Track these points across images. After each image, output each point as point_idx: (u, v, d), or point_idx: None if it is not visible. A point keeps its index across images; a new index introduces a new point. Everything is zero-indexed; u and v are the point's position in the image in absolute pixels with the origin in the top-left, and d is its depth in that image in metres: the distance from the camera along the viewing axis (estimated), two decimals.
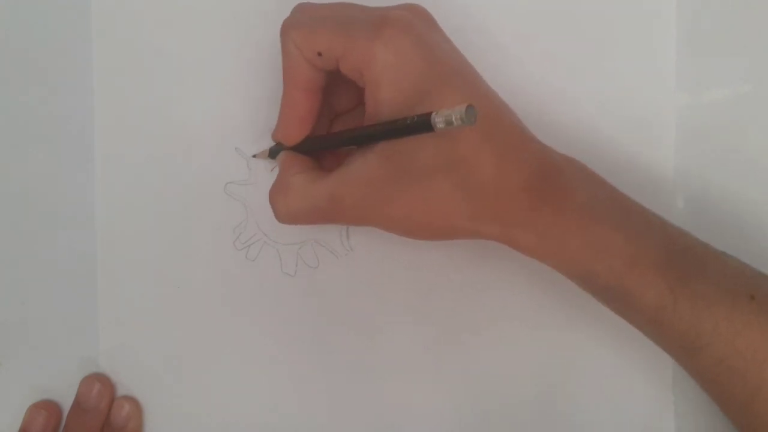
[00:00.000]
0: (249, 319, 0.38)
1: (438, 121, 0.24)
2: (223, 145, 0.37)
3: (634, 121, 0.37)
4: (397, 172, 0.29)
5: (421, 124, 0.25)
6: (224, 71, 0.38)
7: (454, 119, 0.24)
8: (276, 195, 0.32)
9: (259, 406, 0.38)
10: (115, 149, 0.38)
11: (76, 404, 0.38)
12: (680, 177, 0.37)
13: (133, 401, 0.38)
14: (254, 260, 0.37)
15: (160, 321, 0.38)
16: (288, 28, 0.31)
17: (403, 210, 0.30)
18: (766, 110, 0.37)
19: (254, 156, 0.37)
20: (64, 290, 0.38)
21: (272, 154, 0.36)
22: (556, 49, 0.37)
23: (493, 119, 0.30)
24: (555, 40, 0.37)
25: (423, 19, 0.31)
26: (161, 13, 0.38)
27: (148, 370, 0.38)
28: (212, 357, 0.38)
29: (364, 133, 0.30)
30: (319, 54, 0.30)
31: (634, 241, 0.30)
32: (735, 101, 0.37)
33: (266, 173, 0.37)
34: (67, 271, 0.38)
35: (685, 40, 0.37)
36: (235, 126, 0.37)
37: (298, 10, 0.32)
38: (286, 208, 0.32)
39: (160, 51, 0.38)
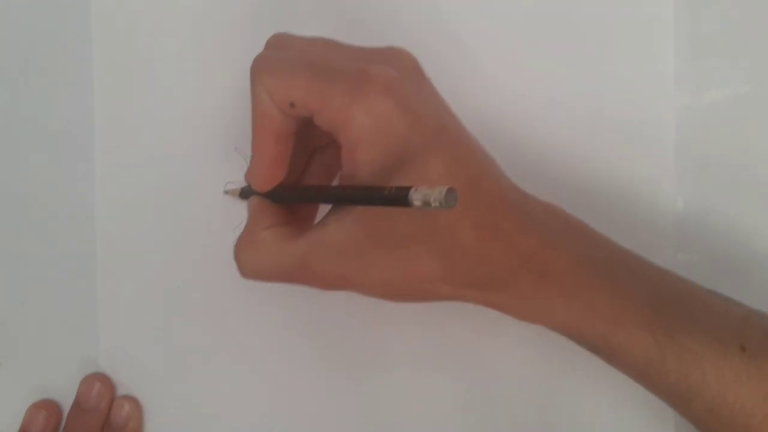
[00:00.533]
0: (249, 319, 0.38)
1: (415, 198, 0.23)
2: (223, 145, 0.37)
3: (634, 121, 0.37)
4: (374, 240, 0.28)
5: (398, 199, 0.24)
6: (224, 71, 0.38)
7: (432, 201, 0.23)
8: (244, 249, 0.30)
9: (259, 406, 0.38)
10: (115, 149, 0.38)
11: (76, 404, 0.38)
12: (680, 177, 0.37)
13: (133, 401, 0.38)
14: None
15: (160, 321, 0.38)
16: (260, 72, 0.28)
17: (380, 277, 0.28)
18: (767, 110, 0.37)
19: (226, 192, 0.36)
20: (64, 290, 0.38)
21: (243, 194, 0.34)
22: (556, 50, 0.37)
23: (474, 182, 0.28)
24: (554, 41, 0.37)
25: (408, 71, 0.29)
26: (161, 13, 0.38)
27: (148, 370, 0.38)
28: (212, 357, 0.38)
29: (340, 195, 0.28)
30: (292, 105, 0.28)
31: (618, 299, 0.29)
32: (735, 101, 0.37)
33: None
34: (67, 271, 0.38)
35: (684, 40, 0.37)
36: (235, 126, 0.37)
37: (273, 45, 0.30)
38: (253, 265, 0.29)
39: (160, 51, 0.38)
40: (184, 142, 0.38)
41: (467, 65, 0.37)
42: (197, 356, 0.38)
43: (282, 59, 0.28)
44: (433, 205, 0.23)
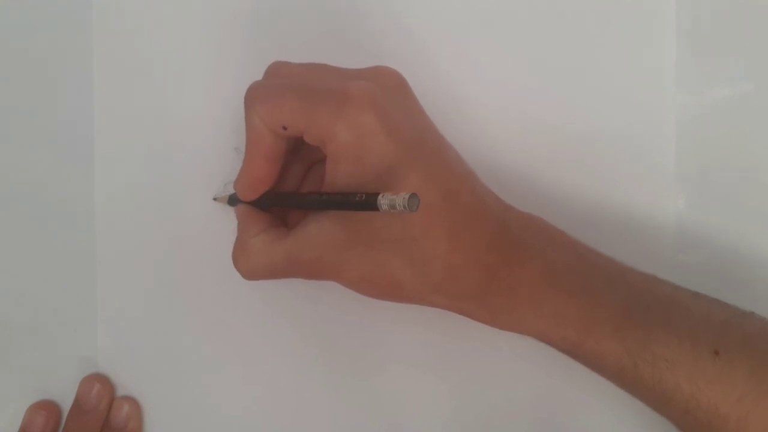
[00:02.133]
0: (249, 319, 0.38)
1: (383, 203, 0.26)
2: (222, 145, 0.37)
3: (634, 121, 0.37)
4: (350, 238, 0.30)
5: (368, 204, 0.27)
6: (224, 71, 0.38)
7: (397, 205, 0.25)
8: (238, 256, 0.33)
9: (259, 405, 0.38)
10: (115, 149, 0.38)
11: (76, 404, 0.38)
12: (680, 177, 0.37)
13: (132, 401, 0.38)
14: None
15: (160, 321, 0.38)
16: (253, 101, 0.30)
17: (356, 273, 0.30)
18: (767, 110, 0.37)
19: (215, 199, 0.37)
20: (64, 290, 0.38)
21: (231, 201, 0.36)
22: (555, 50, 0.37)
23: (450, 195, 0.30)
24: (554, 40, 0.37)
25: (390, 87, 0.31)
26: (161, 12, 0.38)
27: (148, 370, 0.38)
28: (212, 357, 0.38)
29: (317, 200, 0.31)
30: (284, 128, 0.30)
31: (589, 308, 0.31)
32: (736, 101, 0.37)
33: None
34: (67, 271, 0.38)
35: (685, 39, 0.37)
36: (235, 126, 0.37)
37: (267, 75, 0.32)
38: (248, 269, 0.32)
39: (160, 51, 0.38)
40: (184, 142, 0.38)
41: (466, 65, 0.37)
42: (197, 356, 0.38)
43: (271, 87, 0.31)
44: (398, 209, 0.25)
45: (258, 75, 0.38)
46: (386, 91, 0.30)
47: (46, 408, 0.38)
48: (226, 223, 0.37)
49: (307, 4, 0.38)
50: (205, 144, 0.38)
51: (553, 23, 0.37)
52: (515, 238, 0.32)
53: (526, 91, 0.37)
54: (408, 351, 0.37)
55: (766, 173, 0.37)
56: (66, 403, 0.38)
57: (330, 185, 0.30)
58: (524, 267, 0.31)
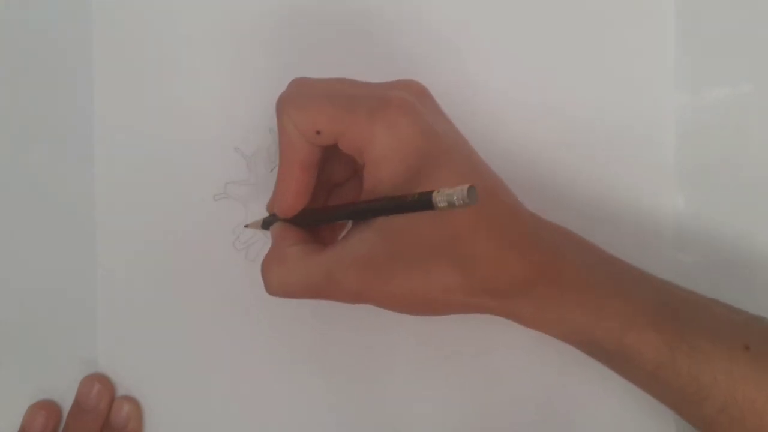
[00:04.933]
0: (249, 319, 0.38)
1: (440, 200, 0.25)
2: (223, 145, 0.37)
3: (634, 121, 0.37)
4: (395, 251, 0.29)
5: (423, 203, 0.25)
6: (224, 71, 0.38)
7: (455, 200, 0.24)
8: (270, 265, 0.31)
9: (259, 406, 0.38)
10: (115, 149, 0.38)
11: (76, 404, 0.38)
12: (680, 177, 0.37)
13: (132, 401, 0.38)
14: (254, 260, 0.37)
15: (160, 321, 0.38)
16: (286, 106, 0.30)
17: (402, 287, 0.30)
18: (767, 110, 0.37)
19: (246, 226, 0.37)
20: (64, 290, 0.38)
21: (265, 224, 0.35)
22: (555, 48, 0.37)
23: (490, 193, 0.30)
24: (554, 39, 0.37)
25: (422, 97, 0.31)
26: (161, 13, 0.38)
27: (148, 370, 0.38)
28: (212, 357, 0.38)
29: (364, 208, 0.30)
30: (318, 132, 0.30)
31: (630, 301, 0.31)
32: (735, 101, 0.37)
33: (266, 173, 0.37)
34: (67, 271, 0.38)
35: (684, 39, 0.37)
36: (235, 126, 0.37)
37: (295, 85, 0.31)
38: (281, 280, 0.31)
39: (160, 51, 0.38)
40: (184, 142, 0.38)
41: (465, 65, 0.37)
42: (197, 356, 0.38)
43: (304, 93, 0.31)
44: (457, 204, 0.24)
45: (258, 75, 0.38)
46: (421, 102, 0.31)
47: (46, 408, 0.38)
48: (226, 223, 0.37)
49: (309, 4, 0.38)
50: (206, 144, 0.38)
51: (553, 23, 0.37)
52: (551, 238, 0.32)
53: (525, 91, 0.37)
54: (408, 351, 0.37)
55: (766, 173, 0.37)
56: (66, 403, 0.38)
57: (370, 192, 0.30)
58: (566, 264, 0.31)
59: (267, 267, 0.31)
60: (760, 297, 0.36)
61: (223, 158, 0.37)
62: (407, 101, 0.30)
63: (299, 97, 0.30)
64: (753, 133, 0.37)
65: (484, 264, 0.30)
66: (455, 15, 0.37)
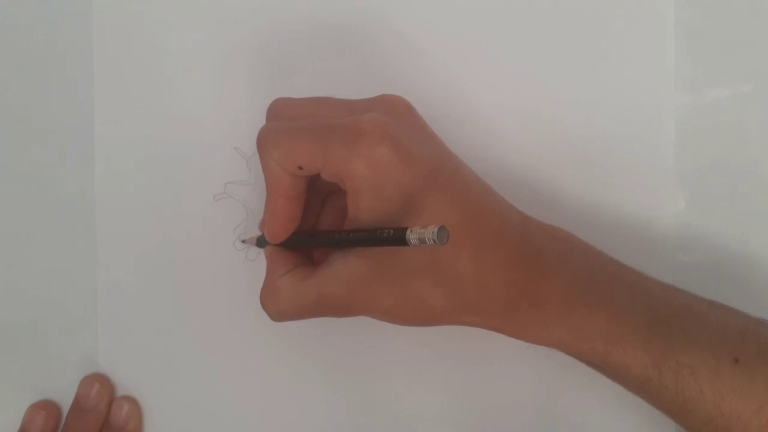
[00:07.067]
0: (249, 319, 0.38)
1: (412, 237, 0.26)
2: (223, 145, 0.37)
3: (634, 121, 0.37)
4: (377, 272, 0.30)
5: (397, 239, 0.27)
6: (224, 71, 0.38)
7: (427, 239, 0.25)
8: (266, 298, 0.32)
9: (259, 406, 0.38)
10: (115, 148, 0.38)
11: (76, 404, 0.38)
12: (680, 177, 0.37)
13: (132, 401, 0.38)
14: (254, 260, 0.37)
15: (160, 321, 0.38)
16: (265, 145, 0.30)
17: (387, 303, 0.30)
18: (767, 110, 0.37)
19: (243, 241, 0.37)
20: (64, 290, 0.38)
21: (260, 243, 0.36)
22: (555, 48, 0.37)
23: (471, 217, 0.30)
24: (553, 39, 0.37)
25: (399, 115, 0.31)
26: (162, 12, 0.38)
27: (148, 370, 0.38)
28: (212, 357, 0.38)
29: (345, 239, 0.30)
30: (301, 168, 0.30)
31: (616, 318, 0.31)
32: (735, 101, 0.37)
33: None
34: (67, 270, 0.38)
35: (684, 39, 0.37)
36: (235, 126, 0.37)
37: (273, 112, 0.32)
38: (277, 309, 0.32)
39: (160, 50, 0.38)
40: (184, 142, 0.38)
41: (464, 66, 0.37)
42: (197, 357, 0.38)
43: (282, 130, 0.31)
44: (428, 242, 0.25)
45: (259, 73, 0.38)
46: (397, 120, 0.30)
47: (46, 408, 0.38)
48: (226, 223, 0.37)
49: (305, 6, 0.38)
50: (206, 144, 0.38)
51: (552, 24, 0.37)
52: (540, 250, 0.32)
53: (525, 91, 0.37)
54: (408, 353, 0.37)
55: (766, 173, 0.37)
56: (66, 403, 0.38)
57: (353, 220, 0.30)
58: (551, 280, 0.31)
59: (263, 300, 0.33)
60: (760, 297, 0.36)
61: (223, 158, 0.37)
62: (381, 127, 0.29)
63: (277, 135, 0.30)
64: (753, 133, 0.37)
65: (465, 286, 0.30)
66: (454, 17, 0.37)
